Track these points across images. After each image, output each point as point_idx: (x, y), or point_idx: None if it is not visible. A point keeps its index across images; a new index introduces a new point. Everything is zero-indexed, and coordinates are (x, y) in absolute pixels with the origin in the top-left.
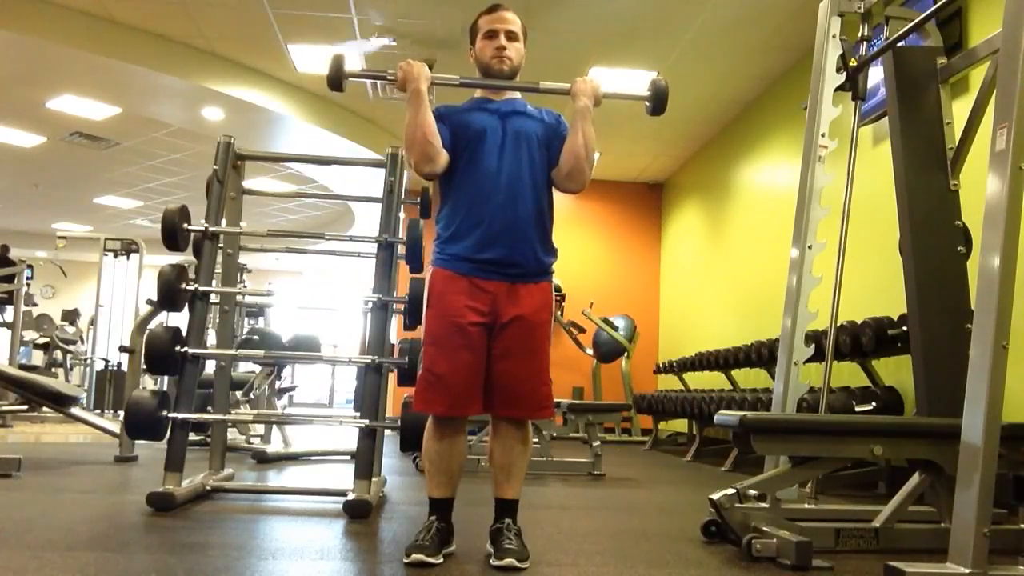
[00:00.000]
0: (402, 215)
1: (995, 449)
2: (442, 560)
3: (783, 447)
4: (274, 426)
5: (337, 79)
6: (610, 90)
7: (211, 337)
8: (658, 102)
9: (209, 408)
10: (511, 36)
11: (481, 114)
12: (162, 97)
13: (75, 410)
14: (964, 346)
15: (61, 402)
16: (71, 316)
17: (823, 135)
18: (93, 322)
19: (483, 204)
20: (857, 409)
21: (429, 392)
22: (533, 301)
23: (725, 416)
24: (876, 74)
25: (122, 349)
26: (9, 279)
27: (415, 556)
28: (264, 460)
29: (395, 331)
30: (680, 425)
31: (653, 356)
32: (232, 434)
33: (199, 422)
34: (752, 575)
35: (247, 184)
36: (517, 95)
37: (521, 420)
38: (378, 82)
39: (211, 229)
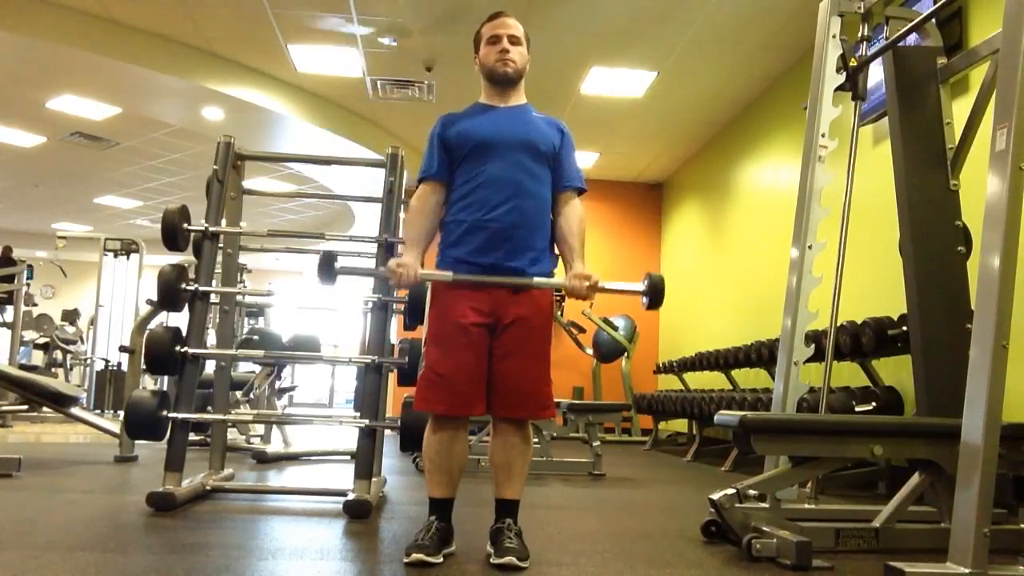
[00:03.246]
0: (402, 215)
1: (995, 449)
2: (442, 560)
3: (783, 447)
4: (274, 426)
5: (330, 275)
6: (606, 286)
7: (211, 337)
8: (654, 295)
9: (209, 408)
10: (514, 40)
11: (485, 120)
12: (162, 97)
13: (75, 410)
14: (964, 346)
15: (61, 402)
16: (71, 316)
17: (823, 135)
18: (93, 322)
19: (484, 209)
20: (857, 409)
21: (431, 391)
22: (534, 303)
23: (725, 416)
24: (876, 74)
25: (122, 349)
26: (9, 279)
27: (415, 556)
28: (264, 460)
29: (395, 331)
30: (680, 425)
31: (653, 356)
32: (232, 434)
33: (199, 422)
34: (752, 575)
35: (247, 184)
36: (522, 100)
37: (522, 420)
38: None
39: (211, 229)
